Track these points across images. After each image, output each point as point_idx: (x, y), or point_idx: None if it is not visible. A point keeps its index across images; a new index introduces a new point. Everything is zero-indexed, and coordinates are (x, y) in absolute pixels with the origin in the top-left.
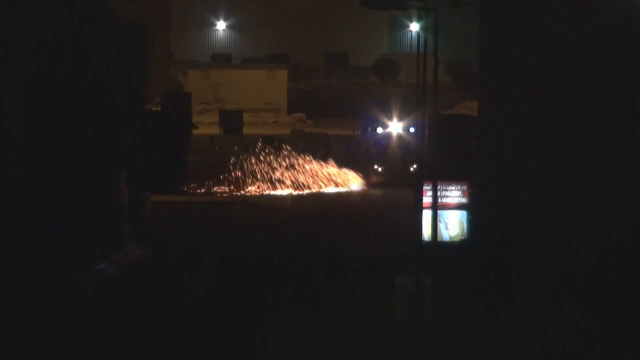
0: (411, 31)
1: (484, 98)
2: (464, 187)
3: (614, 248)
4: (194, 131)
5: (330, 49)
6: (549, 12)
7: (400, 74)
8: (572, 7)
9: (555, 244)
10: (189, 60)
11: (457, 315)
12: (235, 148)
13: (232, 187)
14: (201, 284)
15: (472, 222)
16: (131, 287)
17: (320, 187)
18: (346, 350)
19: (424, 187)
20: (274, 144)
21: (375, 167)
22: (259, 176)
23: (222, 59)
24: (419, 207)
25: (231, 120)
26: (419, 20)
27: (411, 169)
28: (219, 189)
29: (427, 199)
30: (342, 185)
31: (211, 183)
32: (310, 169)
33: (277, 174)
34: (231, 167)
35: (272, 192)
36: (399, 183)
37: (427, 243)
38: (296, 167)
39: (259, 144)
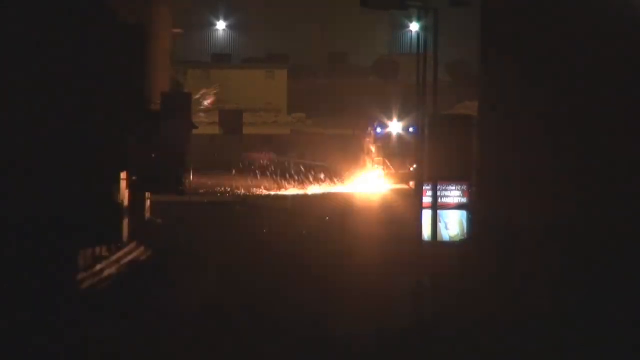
0: (411, 31)
1: (484, 98)
2: (464, 187)
3: (614, 247)
4: (194, 131)
5: (330, 49)
6: (549, 12)
7: (400, 74)
8: (572, 7)
9: (556, 243)
10: (189, 60)
11: (456, 315)
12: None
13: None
14: (201, 284)
15: (472, 222)
16: (131, 287)
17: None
18: (346, 351)
19: (424, 187)
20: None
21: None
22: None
23: (222, 59)
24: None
25: (231, 120)
26: (419, 20)
27: (411, 169)
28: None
29: (427, 199)
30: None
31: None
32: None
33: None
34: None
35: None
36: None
37: (427, 243)
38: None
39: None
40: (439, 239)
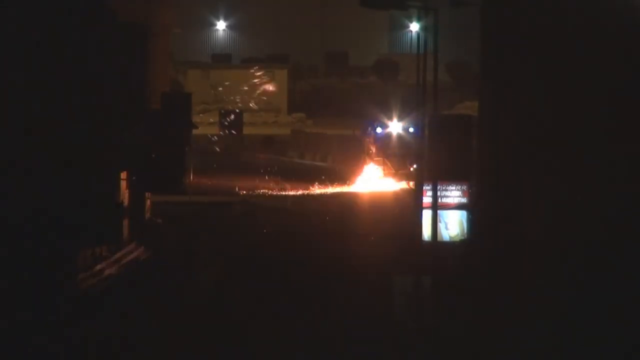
0: (411, 31)
1: (484, 98)
2: (464, 187)
3: (614, 247)
4: (194, 131)
5: (330, 49)
6: (550, 12)
7: (400, 74)
8: (573, 7)
9: (556, 243)
10: (189, 60)
11: (456, 315)
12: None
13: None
14: (201, 284)
15: (472, 222)
16: (131, 287)
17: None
18: (346, 351)
19: (424, 187)
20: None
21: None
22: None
23: (222, 59)
24: (419, 207)
25: (231, 120)
26: (419, 20)
27: (411, 169)
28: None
29: (427, 199)
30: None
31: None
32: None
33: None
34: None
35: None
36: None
37: (427, 243)
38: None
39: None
40: (439, 239)
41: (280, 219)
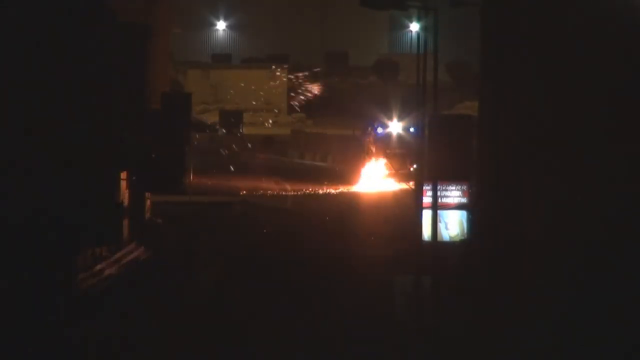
0: (411, 31)
1: (484, 98)
2: (464, 187)
3: (614, 247)
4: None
5: (330, 49)
6: (550, 12)
7: (400, 74)
8: (573, 7)
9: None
10: (189, 60)
11: (456, 315)
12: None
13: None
14: (201, 284)
15: (472, 222)
16: (131, 287)
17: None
18: (346, 350)
19: (424, 187)
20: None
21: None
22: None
23: (222, 59)
24: (419, 207)
25: (231, 120)
26: (419, 20)
27: (411, 169)
28: None
29: (427, 199)
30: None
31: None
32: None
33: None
34: None
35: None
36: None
37: (427, 243)
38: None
39: None
40: (439, 239)
41: (280, 219)
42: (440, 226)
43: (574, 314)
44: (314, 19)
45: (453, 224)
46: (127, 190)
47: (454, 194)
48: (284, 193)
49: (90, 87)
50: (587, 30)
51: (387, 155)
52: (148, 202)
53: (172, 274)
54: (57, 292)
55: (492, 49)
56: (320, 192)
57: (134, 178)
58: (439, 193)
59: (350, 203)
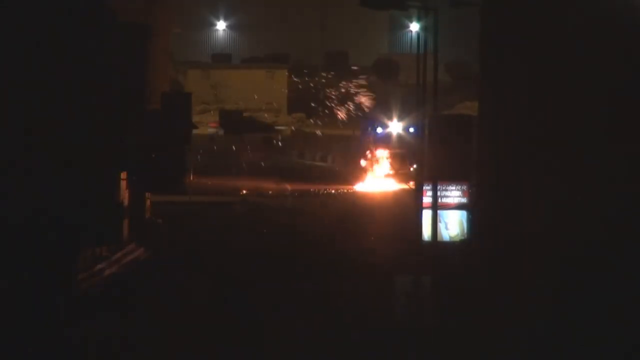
0: (411, 31)
1: (484, 98)
2: (464, 187)
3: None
4: (194, 131)
5: (330, 49)
6: (550, 12)
7: (400, 74)
8: (573, 7)
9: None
10: (189, 60)
11: (456, 315)
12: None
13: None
14: (201, 284)
15: (472, 222)
16: (131, 287)
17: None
18: (346, 351)
19: (424, 187)
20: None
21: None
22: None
23: (222, 59)
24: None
25: (231, 120)
26: (419, 20)
27: (411, 169)
28: None
29: (427, 199)
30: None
31: None
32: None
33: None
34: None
35: None
36: None
37: (427, 243)
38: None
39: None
40: (439, 239)
41: (280, 218)
42: (440, 226)
43: (574, 314)
44: (314, 19)
45: (453, 224)
46: (127, 190)
47: (454, 194)
48: (283, 193)
49: (90, 87)
50: (587, 30)
51: (386, 156)
52: (148, 202)
53: (172, 274)
54: (57, 292)
55: (492, 49)
56: (320, 191)
57: (134, 178)
58: (439, 193)
59: (350, 203)
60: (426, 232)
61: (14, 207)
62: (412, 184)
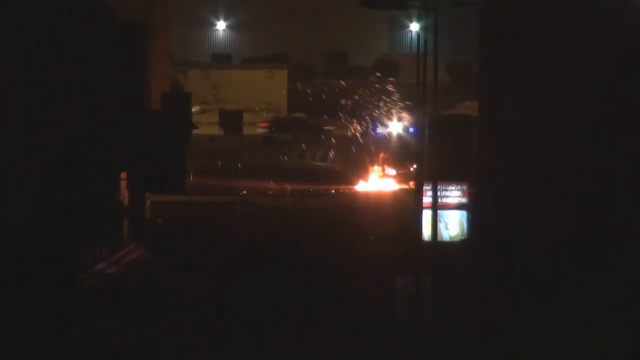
0: (411, 31)
1: (484, 98)
2: (464, 187)
3: (614, 247)
4: (194, 131)
5: (330, 49)
6: (550, 12)
7: (401, 74)
8: (573, 7)
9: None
10: (189, 60)
11: (457, 315)
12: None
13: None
14: (201, 284)
15: (472, 222)
16: (131, 287)
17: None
18: (346, 350)
19: (424, 187)
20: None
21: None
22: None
23: (222, 59)
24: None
25: (231, 120)
26: (419, 20)
27: (411, 169)
28: None
29: (427, 199)
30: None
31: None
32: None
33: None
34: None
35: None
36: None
37: (427, 243)
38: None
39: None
40: (439, 239)
41: (280, 218)
42: (440, 226)
43: (574, 314)
44: (314, 19)
45: (453, 224)
46: (127, 190)
47: (454, 194)
48: (283, 193)
49: (90, 87)
50: (587, 30)
51: (386, 156)
52: (148, 202)
53: (172, 274)
54: (57, 292)
55: (492, 49)
56: (320, 191)
57: (134, 178)
58: (439, 193)
59: (351, 203)
60: (426, 232)
61: (14, 207)
62: (412, 184)
